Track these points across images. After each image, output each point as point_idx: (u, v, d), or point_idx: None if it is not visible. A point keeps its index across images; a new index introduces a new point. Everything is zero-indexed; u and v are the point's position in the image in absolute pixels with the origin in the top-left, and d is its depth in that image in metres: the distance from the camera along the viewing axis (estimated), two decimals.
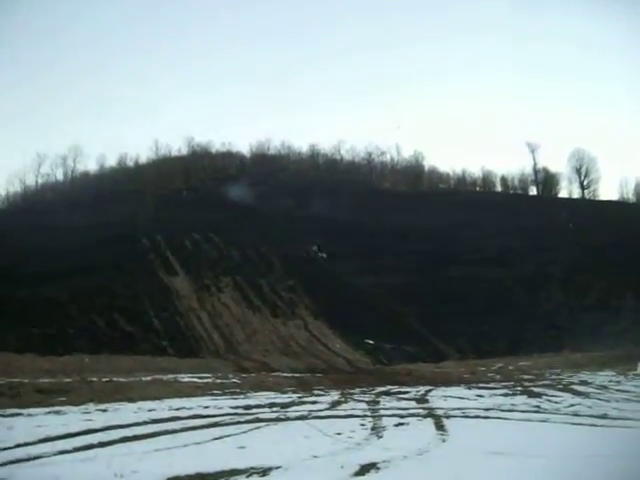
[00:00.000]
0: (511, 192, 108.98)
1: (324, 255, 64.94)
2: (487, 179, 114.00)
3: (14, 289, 40.70)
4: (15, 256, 50.08)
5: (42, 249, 52.78)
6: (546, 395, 21.26)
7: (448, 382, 27.89)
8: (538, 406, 18.17)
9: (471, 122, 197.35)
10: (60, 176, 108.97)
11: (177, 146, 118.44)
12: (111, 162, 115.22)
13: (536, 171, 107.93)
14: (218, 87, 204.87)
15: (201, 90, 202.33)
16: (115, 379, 24.87)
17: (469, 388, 24.79)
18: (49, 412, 16.25)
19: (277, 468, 9.50)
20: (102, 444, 11.58)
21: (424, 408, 17.89)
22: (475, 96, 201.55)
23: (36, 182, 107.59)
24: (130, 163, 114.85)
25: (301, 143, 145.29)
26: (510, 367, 35.19)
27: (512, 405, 18.28)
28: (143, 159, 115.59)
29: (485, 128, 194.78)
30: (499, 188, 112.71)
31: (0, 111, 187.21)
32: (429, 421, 15.17)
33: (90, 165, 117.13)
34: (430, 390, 23.65)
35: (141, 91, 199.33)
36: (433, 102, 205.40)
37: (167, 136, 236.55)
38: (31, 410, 16.40)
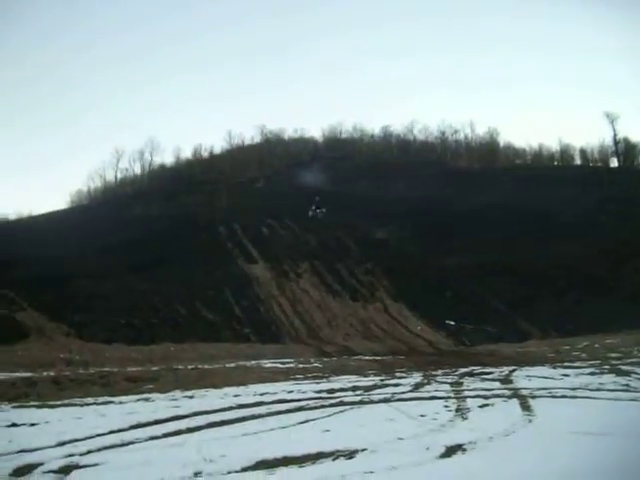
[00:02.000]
0: (591, 165, 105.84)
1: (323, 210, 65.15)
2: (565, 153, 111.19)
3: (100, 281, 41.84)
4: (99, 250, 51.49)
5: (123, 242, 54.16)
6: (635, 373, 20.53)
7: (532, 362, 27.37)
8: (627, 385, 17.55)
9: (547, 95, 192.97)
10: (138, 170, 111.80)
11: (250, 135, 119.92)
12: (186, 154, 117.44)
13: (616, 142, 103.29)
14: (289, 75, 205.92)
15: (273, 78, 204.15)
16: (200, 366, 25.35)
17: (554, 367, 24.23)
18: (138, 399, 16.66)
19: (362, 451, 9.48)
20: (190, 430, 11.79)
21: (508, 389, 17.59)
22: (551, 69, 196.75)
23: (115, 177, 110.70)
24: (205, 154, 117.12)
25: (373, 125, 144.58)
26: (596, 345, 34.13)
27: (600, 384, 17.69)
28: (217, 149, 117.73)
29: (562, 100, 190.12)
30: (578, 161, 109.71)
31: (78, 109, 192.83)
32: (514, 402, 14.89)
33: (166, 158, 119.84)
34: (514, 370, 23.24)
35: (214, 82, 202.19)
36: (506, 76, 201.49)
37: (240, 125, 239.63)
38: (122, 398, 16.86)
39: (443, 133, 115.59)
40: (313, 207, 66.05)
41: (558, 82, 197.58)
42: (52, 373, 21.53)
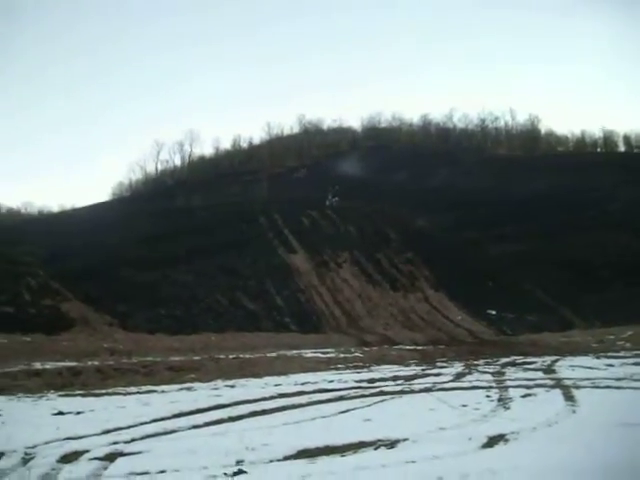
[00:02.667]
0: (635, 151, 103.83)
1: (336, 199, 67.26)
2: (608, 139, 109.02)
3: (142, 272, 42.31)
4: (141, 241, 52.02)
5: (165, 233, 54.65)
6: None
7: (575, 351, 27.12)
8: None
9: (589, 80, 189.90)
10: (178, 161, 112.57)
11: (289, 125, 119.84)
12: (226, 145, 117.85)
13: None
14: (327, 65, 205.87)
15: (310, 67, 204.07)
16: (241, 356, 25.56)
17: (598, 357, 23.96)
18: (181, 389, 16.87)
19: (404, 440, 9.47)
20: (232, 419, 11.90)
21: (551, 378, 17.43)
22: (593, 52, 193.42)
23: (156, 168, 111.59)
24: (244, 144, 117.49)
25: (412, 114, 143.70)
26: None
27: None
28: (257, 140, 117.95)
29: (604, 84, 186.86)
30: (622, 147, 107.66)
31: (119, 102, 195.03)
32: (557, 392, 14.74)
33: (206, 149, 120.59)
34: (556, 360, 23.03)
35: (254, 74, 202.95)
36: (548, 60, 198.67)
37: (279, 116, 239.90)
38: (164, 387, 17.09)
39: (483, 121, 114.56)
40: (330, 196, 68.66)
41: (601, 66, 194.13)
42: (96, 363, 21.89)
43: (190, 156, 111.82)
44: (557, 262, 49.98)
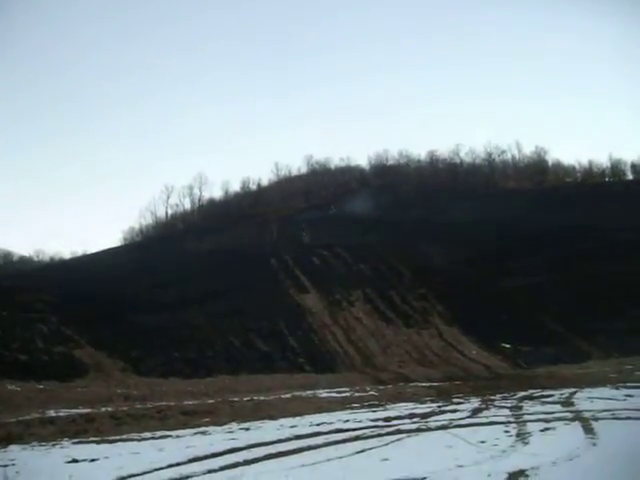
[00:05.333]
0: None
1: (307, 235, 72.46)
2: (616, 168, 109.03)
3: (155, 317, 42.35)
4: (153, 285, 52.16)
5: (177, 276, 54.82)
6: None
7: (593, 383, 26.74)
8: None
9: (595, 109, 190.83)
10: (188, 205, 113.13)
11: (297, 166, 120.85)
12: (235, 187, 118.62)
13: None
14: (334, 104, 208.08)
15: (318, 108, 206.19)
16: (255, 398, 25.39)
17: (616, 388, 23.63)
18: (195, 433, 16.72)
19: (423, 479, 9.35)
20: (247, 462, 11.78)
21: (570, 411, 17.19)
22: (596, 83, 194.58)
23: (166, 213, 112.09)
24: (253, 186, 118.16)
25: (419, 150, 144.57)
26: None
27: None
28: (265, 181, 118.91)
29: (610, 113, 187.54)
30: (630, 176, 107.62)
31: (128, 150, 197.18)
32: (577, 425, 14.54)
33: (215, 192, 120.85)
34: (575, 392, 22.74)
35: (259, 115, 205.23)
36: (552, 95, 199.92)
37: (287, 157, 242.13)
38: (179, 432, 16.94)
39: (490, 154, 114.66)
40: (303, 233, 75.33)
41: (607, 95, 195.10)
42: (110, 408, 21.79)
43: (200, 199, 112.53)
44: (571, 293, 49.68)
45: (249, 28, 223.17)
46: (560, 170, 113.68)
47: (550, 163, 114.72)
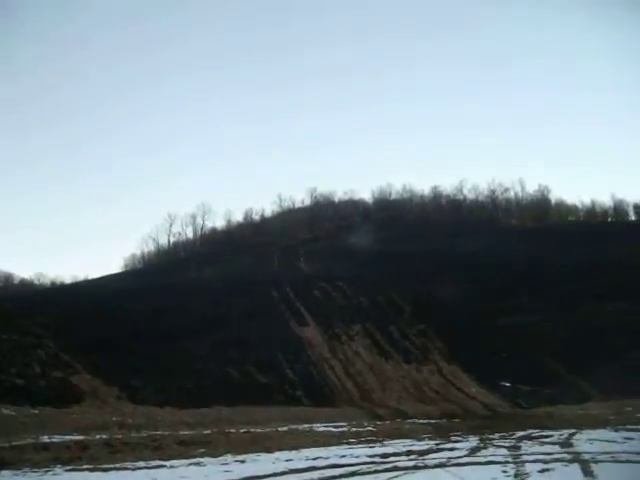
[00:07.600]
0: None
1: None
2: (619, 208, 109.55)
3: (153, 344, 42.22)
4: (153, 313, 52.02)
5: (176, 305, 54.68)
6: None
7: (593, 424, 26.50)
8: None
9: (599, 150, 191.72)
10: (190, 234, 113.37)
11: (300, 197, 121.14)
12: (238, 217, 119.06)
13: None
14: (338, 137, 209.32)
15: (322, 141, 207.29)
16: (252, 430, 25.16)
17: (616, 430, 23.37)
18: (190, 464, 16.53)
19: None
20: None
21: (569, 452, 16.98)
22: (599, 122, 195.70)
23: (168, 241, 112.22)
24: (256, 217, 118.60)
25: (423, 186, 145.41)
26: None
27: None
28: (268, 212, 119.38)
29: (614, 154, 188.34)
30: (632, 217, 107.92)
31: (132, 178, 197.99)
32: (575, 466, 14.34)
33: (218, 222, 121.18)
34: (574, 433, 22.50)
35: (264, 146, 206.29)
36: (557, 134, 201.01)
37: (290, 188, 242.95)
38: (173, 462, 16.75)
39: (493, 192, 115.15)
40: None
41: (610, 136, 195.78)
42: (105, 436, 21.58)
43: (202, 229, 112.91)
44: (572, 332, 49.50)
45: (262, 49, 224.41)
46: (563, 209, 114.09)
47: (553, 202, 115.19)
